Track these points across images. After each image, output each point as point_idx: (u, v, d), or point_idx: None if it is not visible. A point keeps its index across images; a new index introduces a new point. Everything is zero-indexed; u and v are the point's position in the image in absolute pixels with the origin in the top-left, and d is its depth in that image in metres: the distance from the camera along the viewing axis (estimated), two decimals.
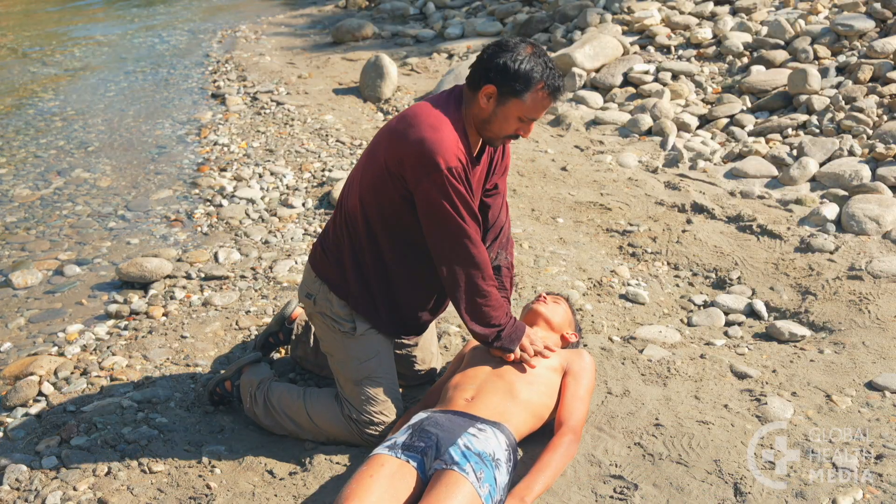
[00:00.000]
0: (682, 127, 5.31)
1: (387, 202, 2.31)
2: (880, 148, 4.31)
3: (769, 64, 5.79)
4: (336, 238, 2.46)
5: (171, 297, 3.62)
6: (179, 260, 3.99)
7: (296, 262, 3.87)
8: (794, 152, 4.65)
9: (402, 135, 2.22)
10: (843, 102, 4.95)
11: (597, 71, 6.35)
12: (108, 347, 3.23)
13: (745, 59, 6.04)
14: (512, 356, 2.39)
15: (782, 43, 5.97)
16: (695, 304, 3.42)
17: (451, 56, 7.77)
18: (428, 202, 2.22)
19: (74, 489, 2.35)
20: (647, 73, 6.10)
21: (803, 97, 5.16)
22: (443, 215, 2.23)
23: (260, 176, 5.08)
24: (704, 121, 5.45)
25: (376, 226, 2.36)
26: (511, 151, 2.49)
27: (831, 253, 3.62)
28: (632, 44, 6.67)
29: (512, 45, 2.22)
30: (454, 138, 2.20)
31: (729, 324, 3.26)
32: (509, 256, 2.61)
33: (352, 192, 2.41)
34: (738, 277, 3.56)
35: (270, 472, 2.41)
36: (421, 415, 2.27)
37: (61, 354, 3.20)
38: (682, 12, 6.99)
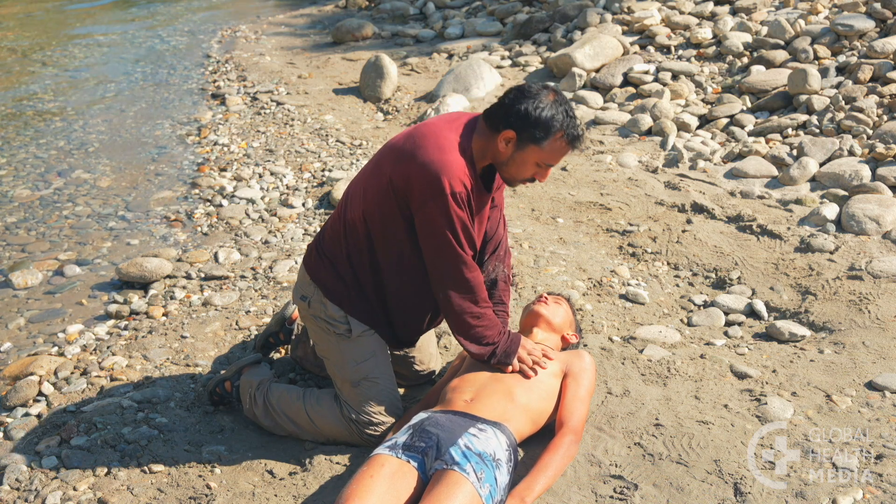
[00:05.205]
0: (682, 127, 5.31)
1: (389, 218, 2.31)
2: (880, 148, 4.31)
3: (769, 64, 5.79)
4: (334, 246, 2.46)
5: (171, 297, 3.62)
6: (179, 260, 3.99)
7: (295, 262, 3.87)
8: (794, 152, 4.65)
9: (410, 155, 2.23)
10: (843, 102, 4.94)
11: (597, 71, 6.35)
12: (108, 347, 3.23)
13: (745, 59, 6.03)
14: (510, 368, 2.40)
15: (782, 43, 5.97)
16: (695, 304, 3.42)
17: (451, 56, 7.77)
18: (429, 225, 2.24)
19: (74, 489, 2.35)
20: (647, 73, 6.10)
21: (803, 97, 5.16)
22: (442, 240, 2.25)
23: (260, 176, 5.08)
24: (704, 121, 5.45)
25: (377, 241, 2.37)
26: None
27: (831, 253, 3.62)
28: (632, 44, 6.67)
29: (534, 92, 2.23)
30: (461, 163, 2.21)
31: (729, 324, 3.25)
32: (507, 269, 2.63)
33: (355, 204, 2.40)
34: (738, 277, 3.56)
35: (270, 472, 2.41)
36: (421, 415, 2.27)
37: (61, 354, 3.20)
38: (682, 12, 6.99)
